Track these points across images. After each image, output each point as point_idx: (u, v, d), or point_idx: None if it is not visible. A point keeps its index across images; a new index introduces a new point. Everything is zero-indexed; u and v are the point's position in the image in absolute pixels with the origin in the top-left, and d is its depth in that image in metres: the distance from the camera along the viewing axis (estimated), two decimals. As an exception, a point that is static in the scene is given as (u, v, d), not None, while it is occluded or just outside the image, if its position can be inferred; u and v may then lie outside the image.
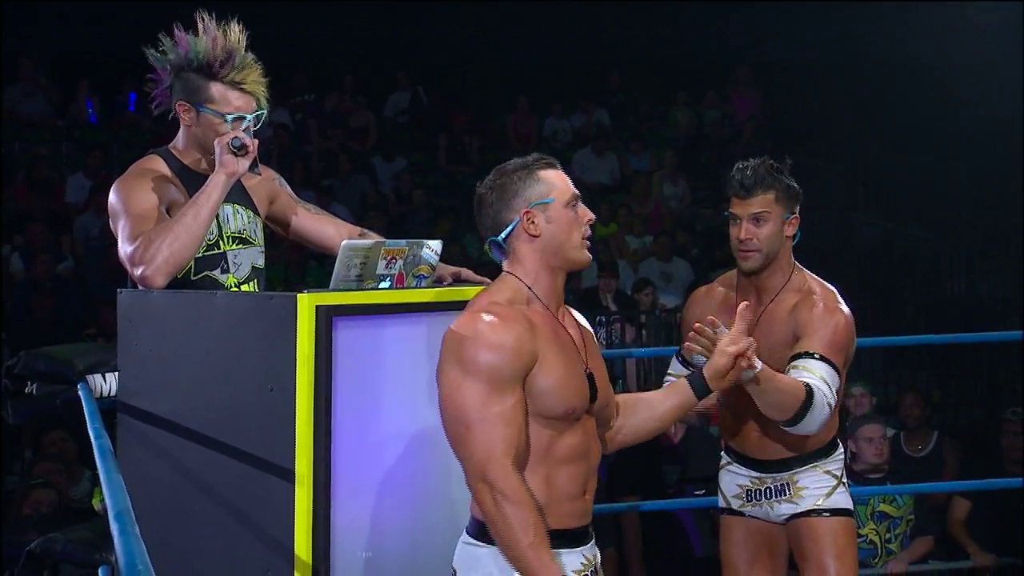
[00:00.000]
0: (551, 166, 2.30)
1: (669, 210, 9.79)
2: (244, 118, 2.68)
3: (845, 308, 2.85)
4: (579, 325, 2.38)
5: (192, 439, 2.42)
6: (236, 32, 2.68)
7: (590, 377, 2.29)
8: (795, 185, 2.88)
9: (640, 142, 10.72)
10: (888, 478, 4.73)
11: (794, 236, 2.90)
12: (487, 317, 2.20)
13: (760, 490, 2.95)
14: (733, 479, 3.00)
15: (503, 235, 2.27)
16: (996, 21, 9.55)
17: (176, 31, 2.68)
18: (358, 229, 2.88)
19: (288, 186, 2.95)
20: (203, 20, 2.66)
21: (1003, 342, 6.70)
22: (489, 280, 2.76)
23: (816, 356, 2.73)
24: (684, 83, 11.46)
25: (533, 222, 2.26)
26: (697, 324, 2.55)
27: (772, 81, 11.48)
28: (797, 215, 2.88)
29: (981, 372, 7.80)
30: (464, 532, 2.29)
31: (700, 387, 2.44)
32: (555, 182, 2.28)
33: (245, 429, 2.37)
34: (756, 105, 11.38)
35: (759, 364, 2.56)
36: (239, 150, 2.63)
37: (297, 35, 10.86)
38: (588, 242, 2.31)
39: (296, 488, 2.30)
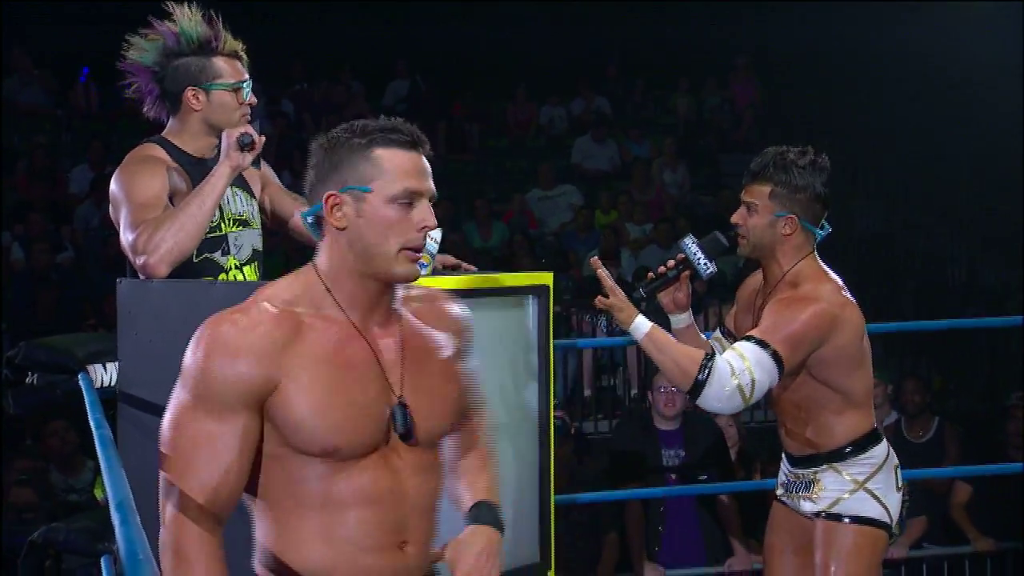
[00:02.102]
0: (401, 145, 1.77)
1: (669, 197, 9.78)
2: (248, 82, 2.73)
3: (822, 304, 2.74)
4: (416, 337, 1.85)
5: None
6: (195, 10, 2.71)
7: (401, 407, 1.79)
8: (803, 185, 2.77)
9: (640, 129, 10.71)
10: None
11: (809, 235, 2.80)
12: (236, 319, 1.74)
13: (793, 483, 2.95)
14: (783, 468, 3.02)
15: (309, 214, 1.80)
16: (996, 12, 9.53)
17: (155, 25, 2.70)
18: None
19: (276, 176, 2.97)
20: (175, 7, 2.67)
21: (1003, 328, 6.71)
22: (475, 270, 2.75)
23: (752, 339, 2.70)
24: (684, 70, 11.45)
25: (339, 210, 1.76)
26: (600, 271, 2.72)
27: (772, 70, 11.47)
28: (794, 217, 2.79)
29: (982, 358, 7.82)
30: None
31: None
32: (388, 167, 1.76)
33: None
34: (756, 93, 11.37)
35: (646, 324, 2.63)
36: (247, 146, 2.65)
37: (293, 24, 10.85)
38: (416, 254, 1.78)
39: None
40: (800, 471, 2.92)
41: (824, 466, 2.87)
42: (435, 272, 2.62)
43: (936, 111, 10.12)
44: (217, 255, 2.72)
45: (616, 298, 2.75)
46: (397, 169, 1.78)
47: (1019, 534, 4.97)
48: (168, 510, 1.72)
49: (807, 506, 2.91)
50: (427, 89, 10.95)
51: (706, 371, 2.66)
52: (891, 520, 2.89)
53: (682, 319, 2.93)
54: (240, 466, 1.74)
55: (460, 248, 7.51)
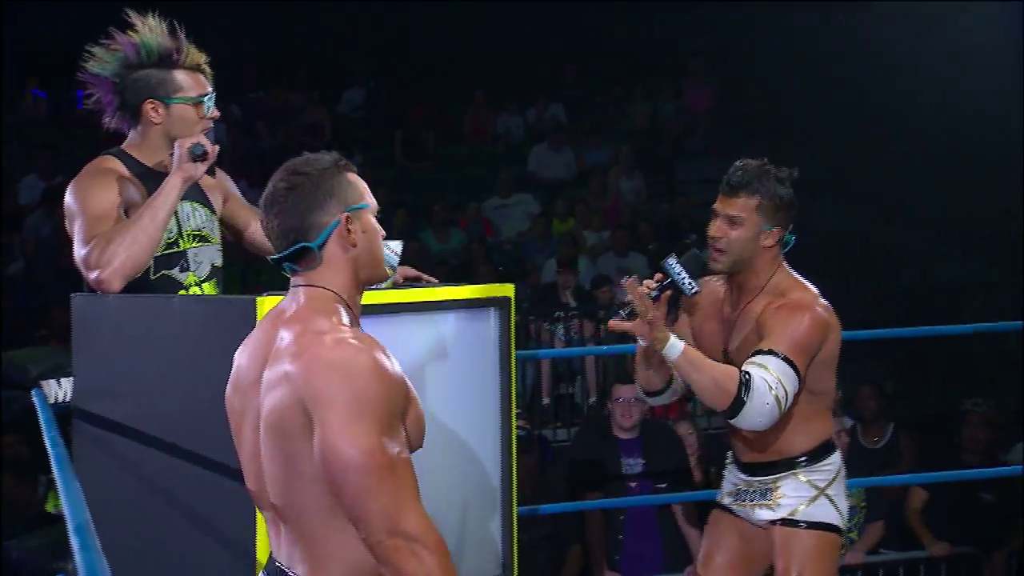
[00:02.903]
0: (353, 170, 1.99)
1: (626, 204, 9.82)
2: (211, 95, 2.70)
3: (817, 310, 2.79)
4: None
5: (151, 444, 2.39)
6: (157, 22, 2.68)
7: None
8: (787, 198, 2.82)
9: (597, 137, 10.74)
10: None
11: (783, 244, 2.85)
12: (361, 343, 1.84)
13: (746, 491, 2.95)
14: (729, 477, 3.01)
15: (320, 240, 1.91)
16: (953, 8, 9.64)
17: (116, 36, 2.66)
18: None
19: (237, 189, 2.93)
20: (137, 18, 2.64)
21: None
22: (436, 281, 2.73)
23: (769, 351, 2.71)
24: (640, 77, 11.50)
25: (353, 229, 1.93)
26: (638, 289, 2.70)
27: (727, 73, 11.54)
28: (779, 229, 2.82)
29: (937, 363, 7.90)
30: None
31: None
32: (362, 188, 1.97)
33: (205, 434, 2.35)
34: (711, 99, 11.44)
35: (679, 343, 2.62)
36: (199, 156, 2.62)
37: (246, 30, 10.77)
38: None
39: None
40: (757, 479, 2.91)
41: (785, 473, 2.87)
42: (397, 285, 2.61)
43: (892, 112, 10.23)
44: (176, 271, 2.69)
45: (654, 320, 2.69)
46: (367, 190, 1.99)
47: (973, 539, 5.04)
48: (406, 523, 1.79)
49: (763, 514, 2.90)
50: (383, 96, 10.92)
51: (745, 388, 2.67)
52: (844, 525, 2.91)
53: None
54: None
55: (419, 256, 7.49)
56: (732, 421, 2.73)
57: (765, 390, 2.67)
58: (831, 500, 2.87)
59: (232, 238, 2.91)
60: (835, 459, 2.90)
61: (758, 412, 2.68)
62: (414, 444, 1.90)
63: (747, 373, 2.68)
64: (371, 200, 1.98)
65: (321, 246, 1.91)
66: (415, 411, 1.90)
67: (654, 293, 2.75)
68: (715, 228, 2.83)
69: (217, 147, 2.66)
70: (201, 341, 2.38)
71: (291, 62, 11.01)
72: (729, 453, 3.05)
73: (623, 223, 9.21)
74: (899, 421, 5.64)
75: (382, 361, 1.83)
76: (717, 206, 2.84)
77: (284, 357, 1.86)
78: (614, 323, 2.72)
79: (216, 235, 2.80)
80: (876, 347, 7.57)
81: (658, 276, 2.79)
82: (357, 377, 1.80)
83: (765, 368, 2.69)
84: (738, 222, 2.80)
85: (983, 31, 9.45)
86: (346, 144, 10.17)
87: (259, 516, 2.29)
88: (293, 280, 1.96)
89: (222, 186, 2.86)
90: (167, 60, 2.66)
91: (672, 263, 2.78)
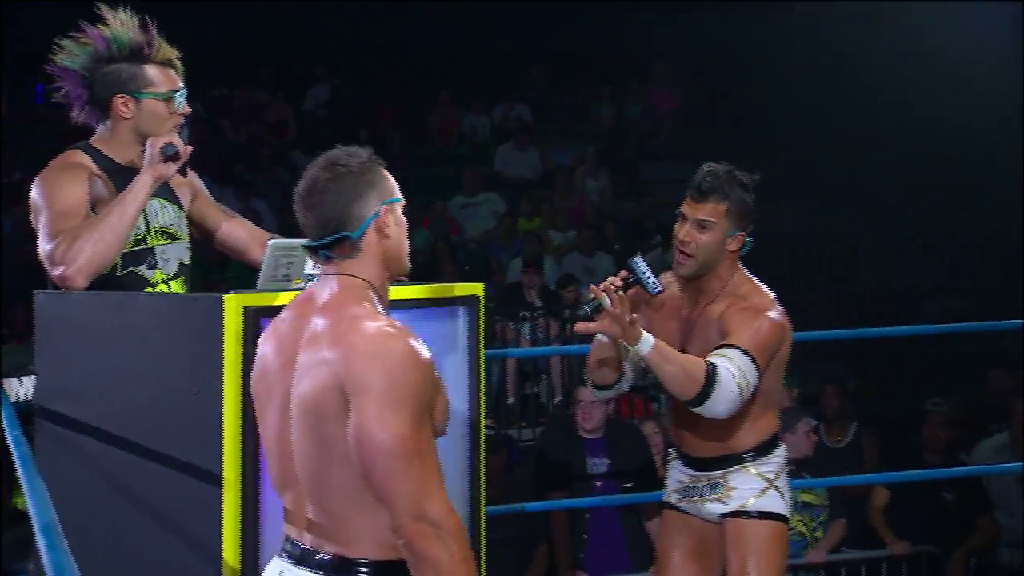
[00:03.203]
0: (385, 165, 2.08)
1: (591, 204, 9.84)
2: (182, 91, 2.68)
3: (775, 314, 2.86)
4: None
5: (116, 444, 2.36)
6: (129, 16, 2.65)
7: None
8: (751, 203, 2.88)
9: (563, 137, 10.75)
10: (804, 469, 4.82)
11: (741, 250, 2.91)
12: (396, 331, 1.93)
13: (694, 487, 2.98)
14: (674, 474, 3.04)
15: (360, 230, 1.99)
16: (904, 8, 9.75)
17: (87, 30, 2.62)
18: (268, 235, 2.83)
19: (205, 187, 2.91)
20: (108, 12, 2.61)
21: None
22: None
23: (731, 346, 2.77)
24: (606, 77, 11.53)
25: (388, 222, 2.02)
26: (603, 285, 2.68)
27: (691, 76, 11.59)
28: (744, 235, 2.88)
29: (899, 361, 7.98)
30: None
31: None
32: (394, 183, 2.07)
33: (171, 434, 2.33)
34: (676, 100, 11.49)
35: (650, 337, 2.65)
36: (171, 156, 2.60)
37: (211, 26, 10.67)
38: None
39: (224, 493, 2.27)
40: (706, 473, 2.95)
41: (736, 466, 2.92)
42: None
43: (855, 112, 10.30)
44: (143, 269, 2.65)
45: (623, 315, 2.71)
46: (396, 184, 2.08)
47: (934, 538, 5.09)
48: (431, 509, 1.88)
49: (714, 508, 2.94)
50: (348, 95, 10.87)
51: (712, 376, 2.71)
52: (790, 515, 2.98)
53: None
54: None
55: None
56: (697, 409, 2.77)
57: (730, 379, 2.73)
58: (779, 491, 2.93)
59: (200, 236, 2.88)
60: (782, 452, 2.97)
61: (723, 400, 2.73)
62: (439, 431, 2.00)
63: (712, 363, 2.73)
64: (400, 194, 2.07)
65: (360, 236, 2.00)
66: (442, 398, 2.02)
67: (619, 292, 2.77)
68: (684, 232, 2.87)
69: (190, 148, 2.63)
70: (167, 339, 2.36)
71: (256, 59, 10.93)
72: (671, 450, 3.09)
73: (588, 223, 9.23)
74: (862, 420, 5.69)
75: (417, 349, 1.92)
76: (686, 210, 2.88)
77: (322, 342, 1.93)
78: (582, 326, 2.74)
79: (184, 233, 2.77)
80: (840, 346, 7.64)
81: (623, 273, 2.82)
82: (394, 365, 1.89)
83: (728, 359, 2.74)
84: (707, 227, 2.85)
85: (940, 31, 9.54)
86: (311, 142, 10.10)
87: (225, 515, 2.27)
88: (325, 268, 2.03)
89: (191, 184, 2.83)
90: (138, 54, 2.63)
91: (638, 262, 2.81)
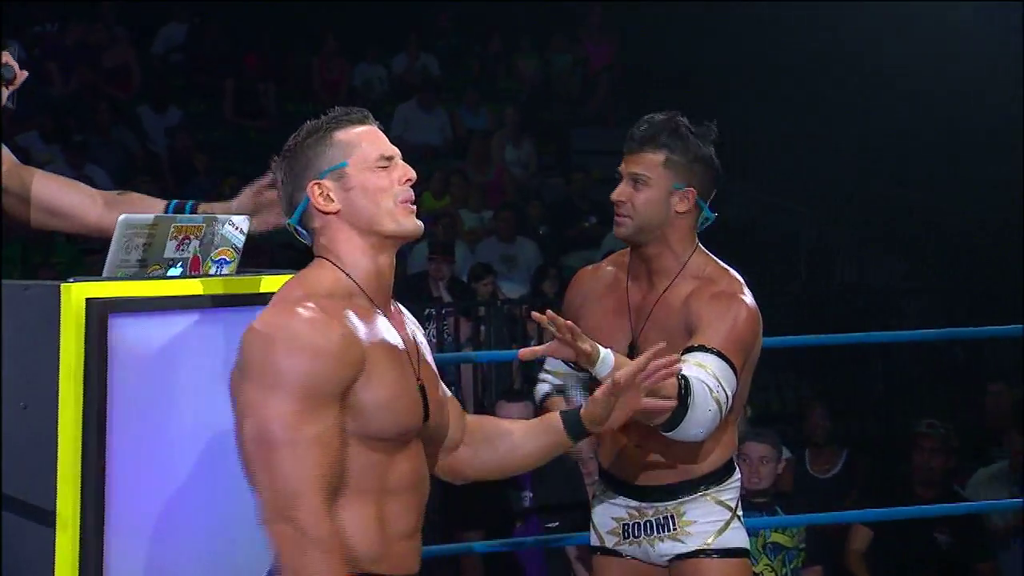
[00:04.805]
0: (354, 122, 2.28)
1: (512, 179, 9.85)
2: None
3: (749, 300, 2.89)
4: (407, 326, 2.36)
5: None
6: None
7: (422, 391, 2.28)
8: (704, 155, 2.90)
9: (476, 95, 10.77)
10: (776, 503, 4.86)
11: (699, 216, 2.93)
12: (304, 313, 2.14)
13: (640, 524, 2.97)
14: (608, 511, 3.02)
15: (294, 219, 2.26)
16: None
17: None
18: (114, 193, 2.71)
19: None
20: None
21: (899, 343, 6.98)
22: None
23: (706, 349, 2.77)
24: (529, 24, 11.54)
25: (326, 195, 2.24)
26: (548, 312, 2.57)
27: (632, 24, 11.66)
28: (693, 189, 2.89)
29: (875, 375, 8.11)
30: None
31: (576, 429, 2.41)
32: (354, 142, 2.26)
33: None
34: (612, 53, 11.56)
35: (610, 355, 2.64)
36: (7, 80, 2.53)
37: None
38: (412, 207, 2.29)
39: (58, 534, 2.23)
40: (653, 505, 2.95)
41: (695, 494, 2.93)
42: (243, 271, 2.54)
43: (820, 81, 10.47)
44: None
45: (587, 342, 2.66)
46: (362, 141, 2.26)
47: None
48: (297, 511, 2.07)
49: (666, 548, 2.94)
50: (211, 36, 10.73)
51: (685, 394, 2.69)
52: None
53: None
54: (342, 456, 2.14)
55: (257, 236, 7.34)
56: (670, 434, 2.75)
57: (706, 394, 2.71)
58: (741, 522, 2.97)
59: (22, 214, 2.74)
60: (738, 476, 3.01)
61: (698, 422, 2.72)
62: (382, 430, 2.18)
63: (684, 377, 2.71)
64: (363, 153, 2.24)
65: (304, 224, 2.26)
66: (378, 394, 2.17)
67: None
68: (618, 192, 2.90)
69: (25, 73, 2.55)
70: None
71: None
72: (598, 482, 3.08)
73: (508, 201, 9.28)
74: (853, 448, 5.74)
75: (310, 335, 2.11)
76: (621, 167, 2.92)
77: None
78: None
79: None
80: (805, 356, 7.74)
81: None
82: (275, 347, 2.11)
83: (703, 368, 2.74)
84: (643, 181, 2.88)
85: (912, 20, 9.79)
86: (160, 95, 9.98)
87: (59, 561, 2.22)
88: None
89: None
90: None
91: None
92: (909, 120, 9.88)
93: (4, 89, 2.53)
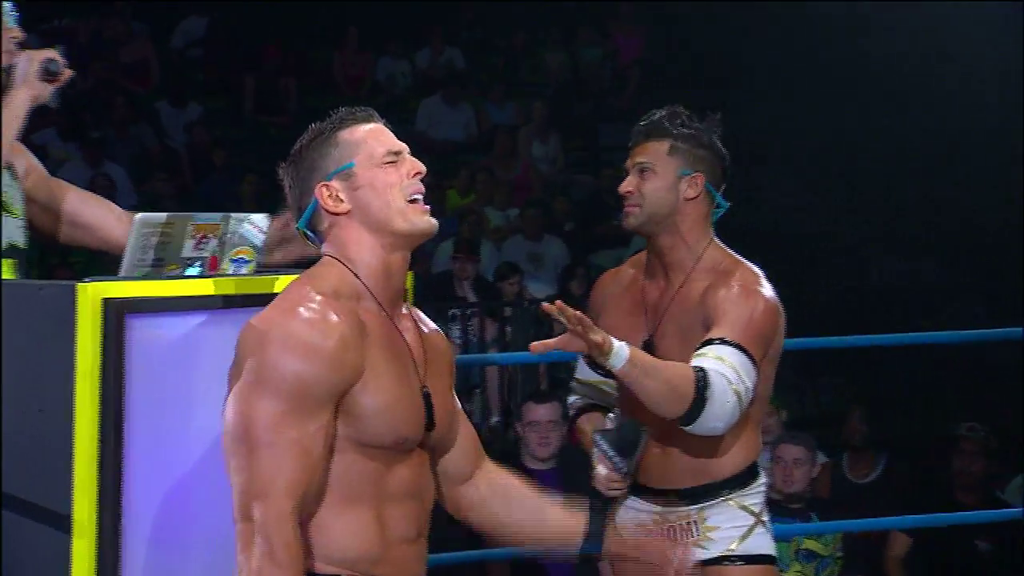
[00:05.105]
0: (359, 121, 2.30)
1: (539, 175, 9.86)
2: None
3: (768, 292, 2.91)
4: (421, 331, 2.36)
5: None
6: None
7: (427, 398, 2.28)
8: (709, 142, 2.95)
9: (502, 89, 10.78)
10: (813, 509, 4.84)
11: (711, 205, 2.96)
12: (304, 312, 2.16)
13: (661, 531, 2.96)
14: (629, 516, 3.01)
15: (302, 222, 2.29)
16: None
17: None
18: (130, 215, 2.76)
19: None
20: None
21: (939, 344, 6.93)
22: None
23: (724, 341, 2.79)
24: (557, 16, 11.55)
25: (334, 196, 2.26)
26: (557, 303, 2.60)
27: (663, 18, 11.66)
28: (701, 174, 2.94)
29: (914, 377, 8.09)
30: None
31: (592, 547, 2.45)
32: (359, 140, 2.28)
33: (7, 464, 2.29)
34: (642, 47, 11.55)
35: (624, 348, 2.64)
36: (54, 75, 2.61)
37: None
38: (424, 204, 2.29)
39: (74, 540, 2.25)
40: (675, 511, 2.95)
41: (719, 499, 2.93)
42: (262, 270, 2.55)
43: (856, 77, 10.44)
44: None
45: (587, 325, 2.65)
46: (368, 138, 2.28)
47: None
48: (261, 513, 2.09)
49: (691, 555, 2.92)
50: (231, 30, 10.78)
51: (703, 387, 2.71)
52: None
53: None
54: (324, 461, 2.16)
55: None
56: (689, 428, 2.77)
57: (725, 386, 2.73)
58: (767, 528, 2.97)
59: (46, 225, 2.79)
60: (763, 481, 3.02)
61: (718, 415, 2.74)
62: (378, 436, 2.19)
63: (701, 369, 2.73)
64: (369, 151, 2.26)
65: (312, 227, 2.28)
66: (376, 399, 2.18)
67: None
68: (626, 184, 2.95)
69: (71, 72, 2.63)
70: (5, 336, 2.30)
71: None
72: None
73: (535, 199, 9.28)
74: (876, 448, 5.74)
75: (307, 335, 2.14)
76: (627, 162, 2.98)
77: None
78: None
79: (19, 207, 2.71)
80: (841, 359, 7.72)
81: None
82: (270, 345, 2.13)
83: (721, 360, 2.76)
84: (649, 169, 2.92)
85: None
86: (179, 90, 10.03)
87: (75, 567, 2.24)
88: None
89: (24, 152, 2.76)
90: None
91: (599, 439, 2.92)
92: (950, 120, 9.84)
93: (48, 86, 2.60)
